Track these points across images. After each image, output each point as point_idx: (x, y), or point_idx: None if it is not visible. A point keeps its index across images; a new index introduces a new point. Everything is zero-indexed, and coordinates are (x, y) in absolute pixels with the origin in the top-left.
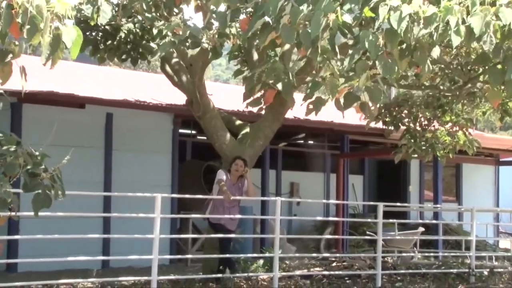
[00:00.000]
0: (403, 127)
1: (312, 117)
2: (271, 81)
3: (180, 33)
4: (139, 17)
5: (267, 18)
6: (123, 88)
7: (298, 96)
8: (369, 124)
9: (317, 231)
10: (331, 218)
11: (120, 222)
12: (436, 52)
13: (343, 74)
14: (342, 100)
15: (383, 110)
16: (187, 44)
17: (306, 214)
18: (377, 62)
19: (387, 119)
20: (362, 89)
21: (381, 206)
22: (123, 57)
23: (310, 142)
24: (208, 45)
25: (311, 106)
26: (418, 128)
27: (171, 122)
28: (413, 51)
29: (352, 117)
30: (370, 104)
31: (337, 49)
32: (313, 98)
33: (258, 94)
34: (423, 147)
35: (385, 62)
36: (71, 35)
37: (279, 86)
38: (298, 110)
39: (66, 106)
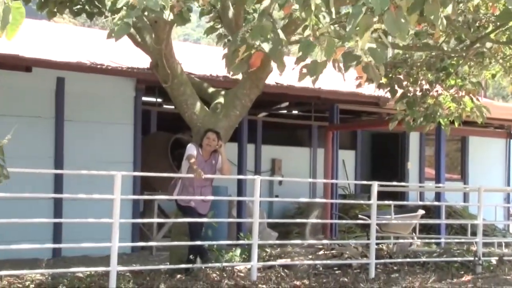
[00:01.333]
0: (400, 91)
1: (297, 83)
2: (257, 42)
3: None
4: None
5: None
6: (76, 48)
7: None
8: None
9: (302, 214)
10: (318, 200)
11: (74, 205)
12: (449, 7)
13: (338, 32)
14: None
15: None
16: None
17: (289, 195)
18: (384, 18)
19: (381, 81)
20: (365, 49)
21: (375, 186)
22: (76, 10)
23: (295, 112)
24: (172, 12)
25: (304, 70)
26: (418, 93)
27: (132, 89)
28: (423, 3)
29: (343, 83)
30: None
31: (331, 3)
32: (307, 61)
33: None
34: (423, 115)
35: (392, 18)
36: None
37: (266, 47)
38: (280, 75)
39: (9, 70)
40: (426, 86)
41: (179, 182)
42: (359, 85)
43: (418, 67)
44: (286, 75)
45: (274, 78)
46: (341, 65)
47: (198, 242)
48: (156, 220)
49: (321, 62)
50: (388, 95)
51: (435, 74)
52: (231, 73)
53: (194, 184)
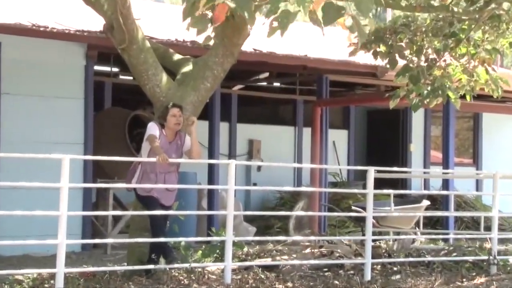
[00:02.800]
0: (402, 62)
1: (279, 50)
2: None
3: None
4: None
5: None
6: (15, 7)
7: (259, 20)
8: (355, 52)
9: (285, 206)
10: (303, 189)
11: (12, 194)
12: None
13: None
14: (320, 14)
15: (372, 38)
16: None
17: (270, 183)
18: None
19: (379, 50)
20: None
21: (371, 172)
22: None
23: (276, 84)
24: None
25: (275, 24)
26: (423, 63)
27: (82, 56)
28: None
29: (333, 51)
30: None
31: None
32: (278, 13)
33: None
34: (429, 89)
35: None
36: None
37: None
38: (259, 41)
39: None
40: (433, 56)
41: (139, 167)
42: (352, 53)
43: (423, 33)
44: (267, 40)
45: (251, 44)
46: (321, 18)
47: (162, 239)
48: (111, 212)
49: (293, 12)
50: (386, 61)
51: (443, 41)
52: (199, 35)
53: (157, 170)
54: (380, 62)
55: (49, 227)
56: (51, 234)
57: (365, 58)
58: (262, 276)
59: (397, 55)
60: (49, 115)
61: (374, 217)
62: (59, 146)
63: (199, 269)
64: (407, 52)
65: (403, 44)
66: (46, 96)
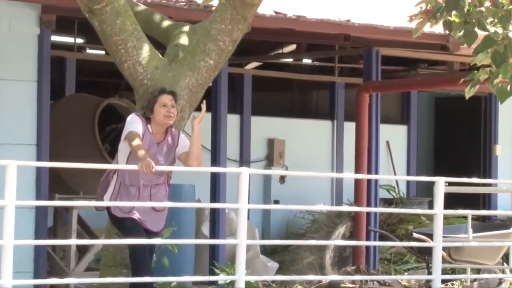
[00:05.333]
0: (482, 33)
1: (311, 13)
2: None
3: None
4: None
5: None
6: None
7: None
8: (421, 27)
9: (319, 232)
10: (345, 208)
11: None
12: None
13: None
14: None
15: (443, 4)
16: None
17: (297, 200)
18: None
19: (452, 19)
20: None
21: (441, 184)
22: None
23: (307, 61)
24: None
25: None
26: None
27: (35, 22)
28: None
29: (385, 17)
30: None
31: None
32: None
33: None
34: None
35: None
36: None
37: None
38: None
39: None
40: None
41: (114, 178)
42: (414, 18)
43: None
44: (293, 0)
45: (272, 4)
46: None
47: (146, 279)
48: (75, 241)
49: None
50: (460, 34)
51: None
52: None
53: (139, 182)
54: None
55: None
56: None
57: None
58: None
59: (476, 26)
60: None
61: (444, 248)
62: (2, 149)
63: None
64: (488, 21)
65: (483, 9)
66: None
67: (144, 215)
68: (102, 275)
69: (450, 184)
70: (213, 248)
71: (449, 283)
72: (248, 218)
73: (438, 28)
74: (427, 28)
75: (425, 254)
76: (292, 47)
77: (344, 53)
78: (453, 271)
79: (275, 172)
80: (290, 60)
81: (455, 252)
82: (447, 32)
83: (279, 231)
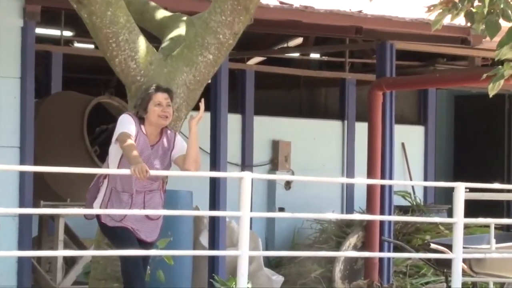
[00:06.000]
0: (506, 25)
1: (320, 3)
2: None
3: None
4: None
5: None
6: None
7: None
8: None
9: (328, 242)
10: (356, 216)
11: None
12: None
13: None
14: None
15: None
16: None
17: (304, 207)
18: None
19: (474, 10)
20: None
21: (461, 190)
22: None
23: (315, 56)
24: None
25: None
26: None
27: (18, 13)
28: None
29: (399, 8)
30: None
31: None
32: None
33: None
34: None
35: None
36: None
37: None
38: None
39: None
40: None
41: (104, 184)
42: (433, 9)
43: None
44: None
45: None
46: None
47: None
48: (61, 252)
49: None
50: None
51: None
52: None
53: (132, 188)
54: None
55: None
56: None
57: (449, 17)
58: None
59: (500, 16)
60: None
61: (465, 260)
62: None
63: None
64: None
65: None
66: None
67: (138, 224)
68: None
69: (471, 190)
70: (213, 260)
71: None
72: (251, 227)
73: (458, 20)
74: (447, 20)
75: (443, 266)
76: (299, 40)
77: (355, 47)
78: (474, 285)
79: (280, 177)
80: (296, 54)
81: (476, 265)
82: (468, 24)
83: (284, 241)
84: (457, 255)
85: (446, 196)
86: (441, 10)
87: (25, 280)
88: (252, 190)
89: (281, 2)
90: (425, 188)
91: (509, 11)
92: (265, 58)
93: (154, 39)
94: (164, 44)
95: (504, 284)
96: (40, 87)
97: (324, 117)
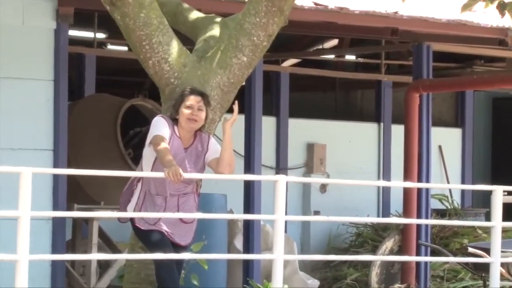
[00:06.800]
0: None
1: (355, 5)
2: None
3: None
4: None
5: None
6: None
7: None
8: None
9: (364, 246)
10: (393, 220)
11: None
12: None
13: None
14: None
15: None
16: None
17: (340, 210)
18: None
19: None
20: None
21: (499, 193)
22: None
23: (350, 58)
24: None
25: None
26: None
27: (51, 15)
28: None
29: (437, 5)
30: None
31: None
32: None
33: None
34: None
35: None
36: None
37: None
38: None
39: None
40: None
41: (138, 187)
42: (466, 7)
43: None
44: None
45: None
46: None
47: None
48: (95, 256)
49: None
50: None
51: None
52: None
53: (166, 191)
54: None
55: (1, 275)
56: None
57: (486, 18)
58: None
59: None
60: (0, 107)
61: (503, 264)
62: (15, 154)
63: None
64: None
65: None
66: None
67: (172, 227)
68: None
69: (510, 193)
70: (247, 264)
71: None
72: (286, 231)
73: (496, 21)
74: (483, 20)
75: (481, 270)
76: (334, 42)
77: (391, 48)
78: None
79: (315, 180)
80: (331, 56)
81: None
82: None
83: (319, 245)
84: (495, 259)
85: (484, 199)
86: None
87: (58, 283)
88: (287, 193)
89: (316, 4)
90: (463, 191)
91: None
92: (300, 60)
93: (187, 41)
94: (197, 46)
95: None
96: (73, 90)
97: (359, 119)
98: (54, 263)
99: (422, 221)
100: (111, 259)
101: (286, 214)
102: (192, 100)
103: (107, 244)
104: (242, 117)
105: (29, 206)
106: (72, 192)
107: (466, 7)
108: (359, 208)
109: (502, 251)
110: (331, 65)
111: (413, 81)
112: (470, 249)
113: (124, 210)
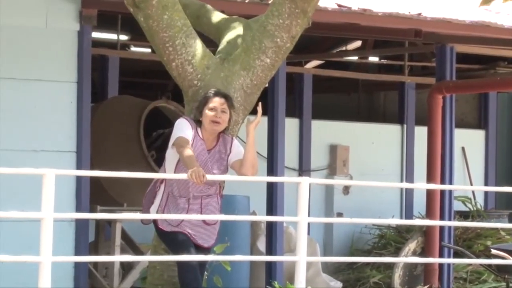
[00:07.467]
0: None
1: (378, 6)
2: None
3: None
4: None
5: None
6: None
7: None
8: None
9: (387, 248)
10: (416, 222)
11: None
12: None
13: None
14: None
15: None
16: None
17: (363, 212)
18: None
19: None
20: None
21: None
22: None
23: (373, 59)
24: None
25: None
26: None
27: (74, 17)
28: None
29: (461, 6)
30: None
31: None
32: None
33: None
34: None
35: None
36: None
37: None
38: None
39: None
40: None
41: (161, 188)
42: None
43: None
44: None
45: None
46: None
47: None
48: (118, 258)
49: None
50: None
51: None
52: None
53: (189, 193)
54: None
55: (23, 277)
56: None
57: (510, 19)
58: None
59: None
60: (22, 107)
61: None
62: (39, 156)
63: None
64: None
65: None
66: (17, 78)
67: (194, 229)
68: None
69: None
70: (270, 266)
71: None
72: (309, 233)
73: None
74: (507, 22)
75: (505, 272)
76: (357, 43)
77: (414, 50)
78: None
79: (338, 181)
80: (354, 58)
81: None
82: None
83: (342, 247)
84: None
85: (508, 201)
86: None
87: (81, 285)
88: (310, 195)
89: (339, 5)
90: (486, 193)
91: None
92: (323, 61)
93: (210, 43)
94: (220, 48)
95: None
96: (96, 92)
97: (383, 121)
98: (77, 265)
99: (445, 223)
100: (134, 260)
101: (309, 216)
102: (215, 102)
103: (130, 245)
104: (265, 119)
105: (52, 208)
106: (95, 194)
107: (485, 2)
108: (382, 210)
109: None
110: (354, 67)
111: (436, 82)
112: (493, 251)
113: (147, 211)
